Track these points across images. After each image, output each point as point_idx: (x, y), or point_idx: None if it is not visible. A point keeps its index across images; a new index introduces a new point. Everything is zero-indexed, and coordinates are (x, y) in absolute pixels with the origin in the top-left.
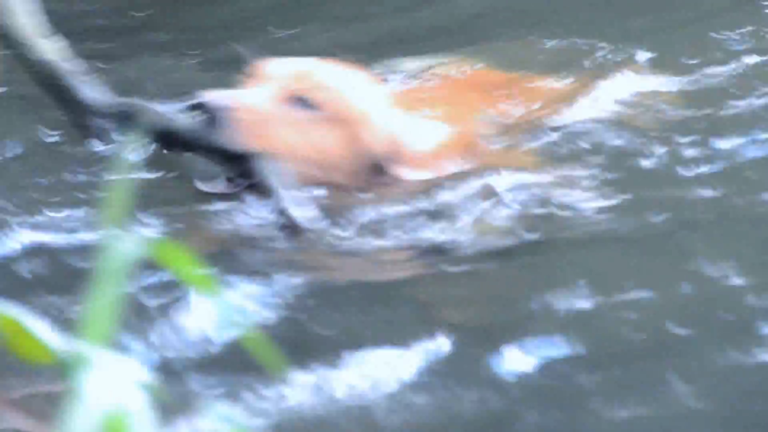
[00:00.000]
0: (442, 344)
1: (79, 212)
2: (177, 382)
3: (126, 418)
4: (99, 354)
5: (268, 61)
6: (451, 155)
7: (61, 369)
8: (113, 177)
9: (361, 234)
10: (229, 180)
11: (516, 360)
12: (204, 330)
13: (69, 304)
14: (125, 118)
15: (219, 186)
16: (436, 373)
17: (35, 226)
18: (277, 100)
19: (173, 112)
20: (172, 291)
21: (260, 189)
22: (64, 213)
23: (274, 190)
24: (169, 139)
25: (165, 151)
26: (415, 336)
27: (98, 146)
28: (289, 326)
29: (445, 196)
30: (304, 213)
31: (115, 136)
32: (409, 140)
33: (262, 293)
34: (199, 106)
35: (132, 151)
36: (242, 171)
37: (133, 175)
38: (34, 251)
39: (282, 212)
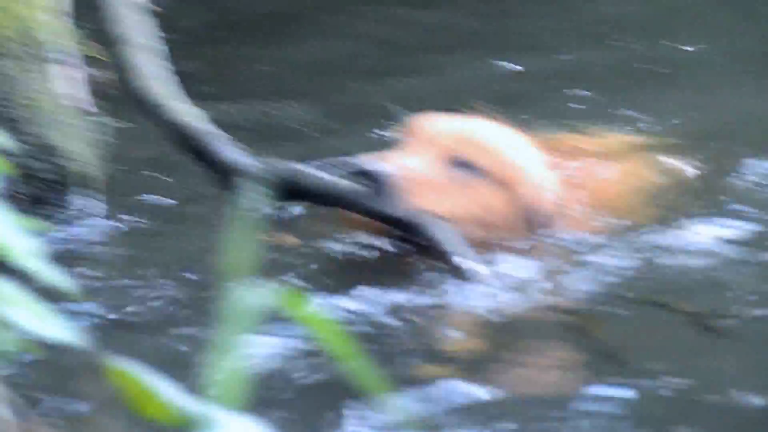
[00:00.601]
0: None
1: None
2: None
3: None
4: (224, 414)
5: (423, 120)
6: (603, 213)
7: (187, 428)
8: (246, 232)
9: (518, 287)
10: (396, 239)
11: None
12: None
13: (195, 354)
14: (276, 181)
15: (386, 246)
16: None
17: (178, 279)
18: (439, 164)
19: (334, 177)
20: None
21: (427, 248)
22: (198, 265)
23: (443, 250)
24: (332, 202)
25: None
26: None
27: (237, 204)
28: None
29: (597, 254)
30: (473, 269)
31: (258, 196)
32: (566, 200)
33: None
34: (363, 173)
35: (270, 209)
36: (408, 232)
37: (269, 233)
38: (165, 301)
39: (454, 269)
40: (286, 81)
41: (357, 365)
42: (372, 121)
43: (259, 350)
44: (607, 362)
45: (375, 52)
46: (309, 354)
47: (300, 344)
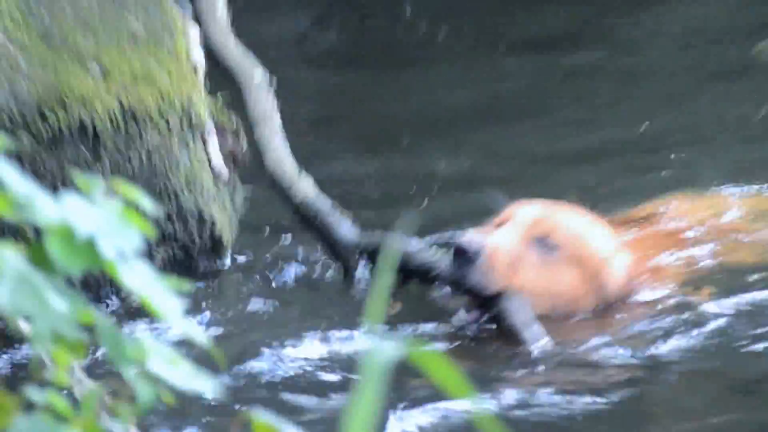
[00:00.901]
0: None
1: (338, 329)
2: None
3: None
4: None
5: (512, 205)
6: (663, 287)
7: None
8: (372, 299)
9: (588, 355)
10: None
11: None
12: None
13: (332, 411)
14: (376, 253)
15: (464, 318)
16: None
17: (302, 341)
18: (523, 242)
19: (428, 251)
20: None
21: (501, 322)
22: (324, 328)
23: (516, 326)
24: (424, 276)
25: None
26: None
27: (359, 276)
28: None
29: (662, 323)
30: (539, 342)
31: (369, 268)
32: (634, 277)
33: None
34: (455, 247)
35: (387, 279)
36: (486, 305)
37: (387, 298)
38: (296, 361)
39: (523, 343)
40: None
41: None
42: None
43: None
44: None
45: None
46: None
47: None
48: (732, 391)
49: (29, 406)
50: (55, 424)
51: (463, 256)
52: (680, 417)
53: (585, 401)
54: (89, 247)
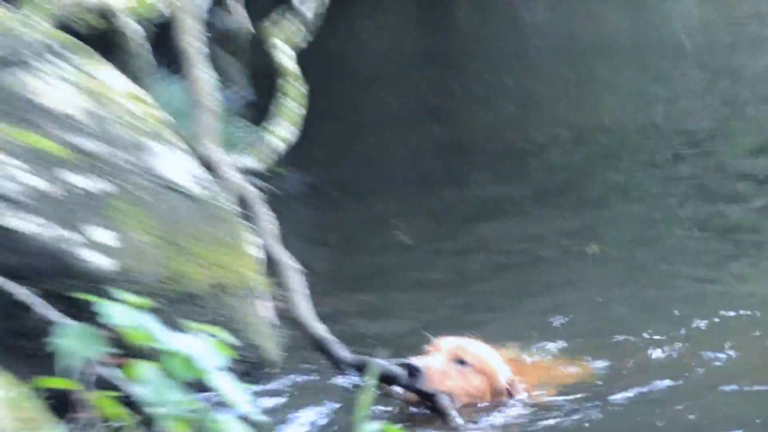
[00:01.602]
0: None
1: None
2: None
3: None
4: None
5: (440, 340)
6: (533, 389)
7: None
8: (361, 399)
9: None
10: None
11: None
12: None
13: None
14: (363, 368)
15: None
16: None
17: None
18: (447, 362)
19: (392, 366)
20: None
21: (436, 408)
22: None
23: (446, 411)
24: (390, 381)
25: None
26: None
27: (350, 380)
28: None
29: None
30: (458, 420)
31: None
32: (514, 381)
33: None
34: (408, 365)
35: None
36: (427, 398)
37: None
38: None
39: (451, 423)
40: None
41: None
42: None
43: None
44: None
45: None
46: None
47: None
48: None
49: None
50: None
51: (413, 371)
52: None
53: None
54: (194, 363)
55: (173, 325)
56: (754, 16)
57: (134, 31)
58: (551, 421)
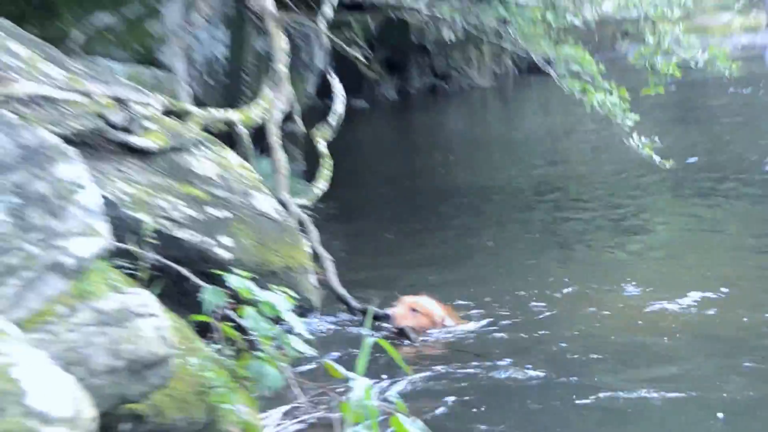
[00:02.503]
0: None
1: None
2: None
3: None
4: None
5: (404, 298)
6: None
7: None
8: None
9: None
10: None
11: None
12: None
13: None
14: (364, 312)
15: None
16: None
17: None
18: (407, 310)
19: (379, 311)
20: None
21: (403, 334)
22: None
23: (408, 334)
24: (378, 320)
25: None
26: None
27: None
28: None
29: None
30: (417, 339)
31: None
32: (443, 317)
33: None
34: (385, 314)
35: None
36: (398, 331)
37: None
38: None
39: (410, 338)
40: None
41: None
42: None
43: None
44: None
45: None
46: None
47: None
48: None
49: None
50: None
51: (387, 316)
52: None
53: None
54: (274, 307)
55: (263, 287)
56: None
57: (243, 131)
58: (461, 336)
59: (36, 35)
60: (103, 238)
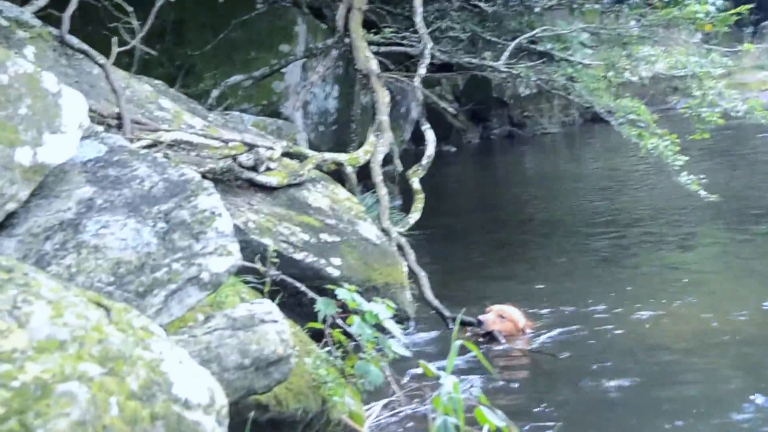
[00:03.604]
0: None
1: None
2: None
3: None
4: None
5: (493, 306)
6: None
7: None
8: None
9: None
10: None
11: None
12: None
13: None
14: (455, 320)
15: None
16: None
17: None
18: (495, 316)
19: (470, 318)
20: None
21: (492, 337)
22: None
23: (496, 338)
24: (469, 325)
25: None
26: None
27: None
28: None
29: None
30: (502, 341)
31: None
32: (526, 324)
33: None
34: (478, 319)
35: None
36: (487, 334)
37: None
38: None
39: (497, 341)
40: None
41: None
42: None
43: None
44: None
45: None
46: None
47: None
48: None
49: None
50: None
51: (479, 322)
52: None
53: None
54: (376, 315)
55: (367, 300)
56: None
57: (350, 170)
58: (540, 340)
59: (182, 93)
60: (234, 257)
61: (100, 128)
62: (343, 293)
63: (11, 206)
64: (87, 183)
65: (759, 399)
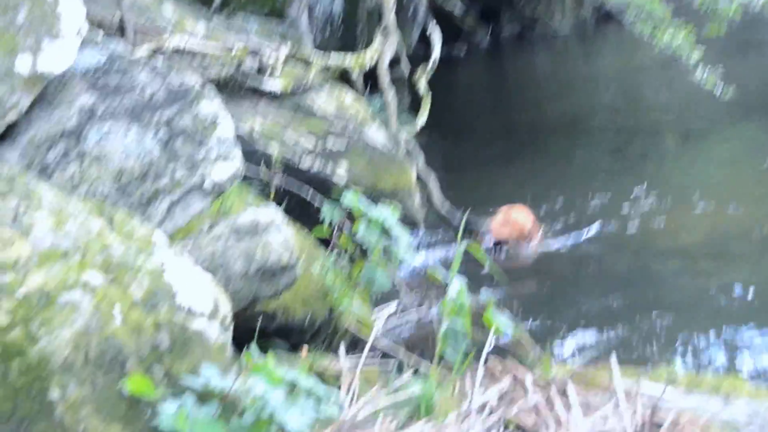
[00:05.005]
0: None
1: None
2: None
3: None
4: None
5: (503, 208)
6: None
7: None
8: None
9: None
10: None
11: None
12: None
13: None
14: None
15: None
16: None
17: None
18: (504, 219)
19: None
20: None
21: (498, 247)
22: None
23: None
24: (471, 230)
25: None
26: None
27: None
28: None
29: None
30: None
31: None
32: (535, 227)
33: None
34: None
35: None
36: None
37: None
38: None
39: (501, 246)
40: None
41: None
42: None
43: None
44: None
45: None
46: None
47: None
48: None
49: None
50: None
51: (487, 228)
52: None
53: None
54: (383, 221)
55: (375, 203)
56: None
57: (356, 77)
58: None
59: None
60: (237, 164)
61: (99, 36)
62: (347, 197)
63: (12, 116)
64: (87, 91)
65: None
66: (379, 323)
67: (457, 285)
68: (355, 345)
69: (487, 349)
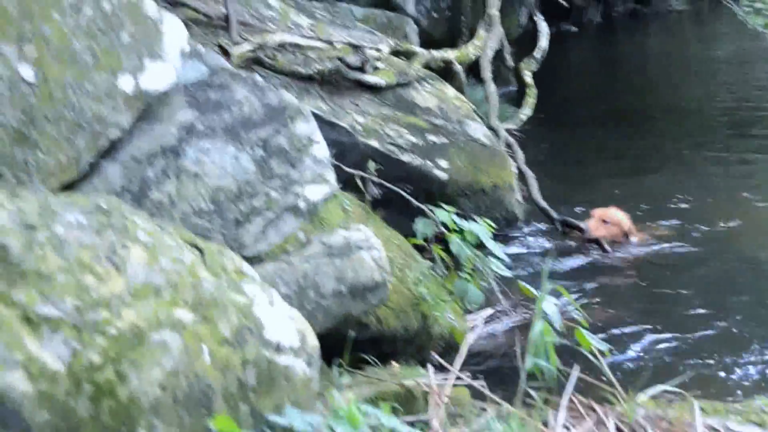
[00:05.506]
0: None
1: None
2: None
3: None
4: None
5: (596, 211)
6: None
7: None
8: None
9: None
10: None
11: None
12: None
13: None
14: (563, 222)
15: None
16: None
17: None
18: (599, 221)
19: (577, 222)
20: None
21: (598, 244)
22: None
23: (602, 244)
24: (575, 229)
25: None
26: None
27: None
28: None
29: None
30: (607, 248)
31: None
32: (632, 229)
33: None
34: (583, 226)
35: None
36: (592, 240)
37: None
38: None
39: (603, 247)
40: None
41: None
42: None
43: None
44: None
45: None
46: None
47: None
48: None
49: None
50: None
51: (584, 228)
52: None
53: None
54: (476, 234)
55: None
56: None
57: (459, 70)
58: (655, 247)
59: None
60: (331, 185)
61: (203, 49)
62: (441, 214)
63: (115, 133)
64: (188, 106)
65: None
66: (471, 336)
67: (540, 324)
68: (449, 350)
69: (571, 385)
